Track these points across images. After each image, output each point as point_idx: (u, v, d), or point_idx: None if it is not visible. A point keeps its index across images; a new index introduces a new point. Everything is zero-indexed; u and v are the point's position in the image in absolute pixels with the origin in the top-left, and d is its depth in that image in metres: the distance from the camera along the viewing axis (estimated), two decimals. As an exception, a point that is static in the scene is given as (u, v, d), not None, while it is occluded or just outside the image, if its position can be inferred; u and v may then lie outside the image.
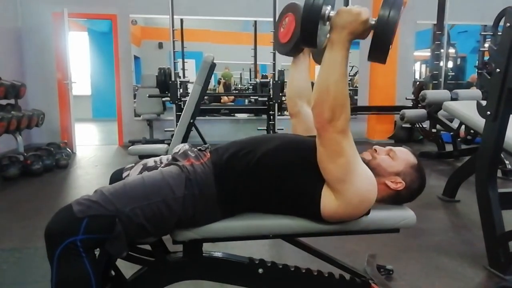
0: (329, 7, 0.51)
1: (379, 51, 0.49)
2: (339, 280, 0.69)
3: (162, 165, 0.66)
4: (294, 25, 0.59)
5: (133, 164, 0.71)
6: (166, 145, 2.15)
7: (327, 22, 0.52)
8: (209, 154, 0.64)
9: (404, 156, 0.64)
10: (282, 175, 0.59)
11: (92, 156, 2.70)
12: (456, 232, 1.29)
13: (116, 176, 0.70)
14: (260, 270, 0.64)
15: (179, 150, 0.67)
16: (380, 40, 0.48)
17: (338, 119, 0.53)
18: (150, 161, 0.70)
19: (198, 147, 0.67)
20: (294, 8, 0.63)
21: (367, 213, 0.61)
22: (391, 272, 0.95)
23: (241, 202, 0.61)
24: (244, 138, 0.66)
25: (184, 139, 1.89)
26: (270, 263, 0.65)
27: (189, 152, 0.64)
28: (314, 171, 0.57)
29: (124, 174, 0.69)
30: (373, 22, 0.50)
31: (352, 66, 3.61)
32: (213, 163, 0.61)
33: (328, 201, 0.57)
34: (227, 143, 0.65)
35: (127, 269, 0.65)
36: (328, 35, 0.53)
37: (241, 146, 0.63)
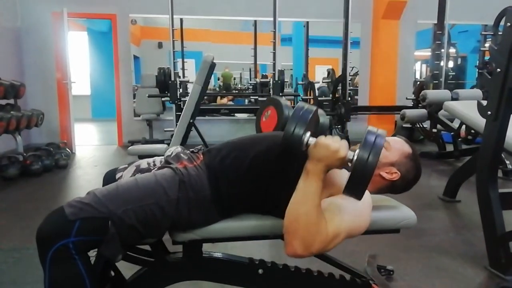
0: (307, 134, 0.51)
1: (355, 191, 0.50)
2: (339, 280, 0.69)
3: (155, 168, 0.65)
4: (277, 119, 0.60)
5: (127, 165, 0.71)
6: (165, 145, 2.15)
7: (305, 148, 0.51)
8: (202, 156, 0.63)
9: (398, 146, 0.63)
10: (273, 177, 0.59)
11: (92, 156, 2.70)
12: (456, 233, 1.29)
13: (109, 177, 0.70)
14: (260, 271, 0.64)
15: (172, 153, 0.66)
16: (357, 181, 0.49)
17: (312, 246, 0.51)
18: (144, 163, 0.70)
19: (191, 149, 0.66)
20: (275, 103, 0.64)
21: None
22: (391, 273, 0.95)
23: (236, 204, 0.61)
24: (236, 139, 0.65)
25: (184, 139, 1.89)
26: (270, 263, 0.65)
27: (181, 154, 0.63)
28: None
29: (118, 175, 0.68)
30: (350, 157, 0.50)
31: (352, 67, 3.60)
32: (206, 165, 0.61)
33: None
34: (219, 144, 0.65)
35: (127, 269, 0.64)
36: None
37: (233, 147, 0.63)
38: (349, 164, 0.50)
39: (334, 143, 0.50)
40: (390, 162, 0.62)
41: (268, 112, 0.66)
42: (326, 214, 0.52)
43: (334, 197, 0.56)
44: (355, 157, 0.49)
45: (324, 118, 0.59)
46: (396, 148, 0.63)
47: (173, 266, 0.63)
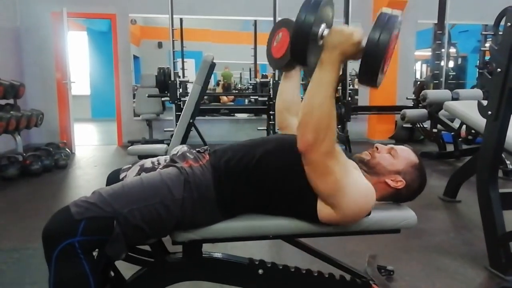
0: (323, 25, 0.49)
1: (368, 75, 0.47)
2: (339, 280, 0.69)
3: (160, 166, 0.65)
4: (288, 40, 0.57)
5: (130, 165, 0.70)
6: (165, 145, 2.15)
7: (321, 41, 0.49)
8: (207, 156, 0.63)
9: (405, 155, 0.64)
10: (279, 178, 0.59)
11: (91, 156, 2.70)
12: (457, 233, 1.29)
13: (113, 177, 0.70)
14: (260, 271, 0.63)
15: (178, 152, 0.67)
16: (369, 65, 0.46)
17: (322, 142, 0.51)
18: (148, 162, 0.69)
19: (197, 149, 0.66)
20: (288, 24, 0.61)
21: (368, 214, 0.61)
22: (391, 273, 0.95)
23: (240, 204, 0.61)
24: (243, 141, 0.66)
25: (184, 139, 1.89)
26: (270, 263, 0.65)
27: (187, 154, 0.63)
28: None
29: (122, 175, 0.69)
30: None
31: (353, 68, 3.60)
32: (212, 165, 0.61)
33: (324, 207, 0.57)
34: (225, 146, 0.65)
35: (127, 270, 0.64)
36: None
37: (239, 148, 0.63)
38: None
39: (348, 28, 0.49)
40: (396, 170, 0.62)
41: (279, 35, 0.61)
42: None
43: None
44: (367, 40, 0.46)
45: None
46: (403, 156, 0.63)
47: (173, 266, 0.63)
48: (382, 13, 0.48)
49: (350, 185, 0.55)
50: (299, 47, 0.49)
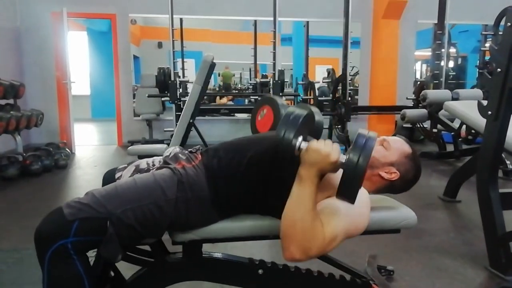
0: (300, 139, 0.51)
1: (347, 193, 0.49)
2: (339, 280, 0.69)
3: (154, 168, 0.65)
4: (272, 118, 0.60)
5: (126, 165, 0.70)
6: (165, 145, 2.14)
7: (298, 152, 0.51)
8: (200, 156, 0.63)
9: (398, 146, 0.63)
10: (271, 178, 0.58)
11: (91, 156, 2.70)
12: (457, 233, 1.29)
13: (108, 176, 0.70)
14: (260, 271, 0.63)
15: (170, 153, 0.66)
16: (348, 185, 0.48)
17: (310, 250, 0.51)
18: (143, 163, 0.69)
19: (189, 149, 0.66)
20: (270, 102, 0.64)
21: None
22: (391, 273, 0.95)
23: (236, 204, 0.61)
24: (235, 139, 0.65)
25: (184, 139, 1.89)
26: (270, 263, 0.65)
27: (180, 155, 0.63)
28: None
29: (117, 175, 0.68)
30: (343, 161, 0.50)
31: (353, 67, 3.60)
32: (204, 165, 0.60)
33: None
34: (217, 144, 0.65)
35: (127, 270, 0.64)
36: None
37: (231, 147, 0.62)
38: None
39: (325, 148, 0.50)
40: (390, 162, 0.62)
41: (263, 111, 0.65)
42: (322, 217, 0.52)
43: (330, 198, 0.55)
44: (345, 161, 0.48)
45: (319, 116, 0.58)
46: (395, 147, 0.63)
47: (173, 266, 0.63)
48: (359, 135, 0.51)
49: (354, 221, 0.54)
50: (283, 157, 0.52)
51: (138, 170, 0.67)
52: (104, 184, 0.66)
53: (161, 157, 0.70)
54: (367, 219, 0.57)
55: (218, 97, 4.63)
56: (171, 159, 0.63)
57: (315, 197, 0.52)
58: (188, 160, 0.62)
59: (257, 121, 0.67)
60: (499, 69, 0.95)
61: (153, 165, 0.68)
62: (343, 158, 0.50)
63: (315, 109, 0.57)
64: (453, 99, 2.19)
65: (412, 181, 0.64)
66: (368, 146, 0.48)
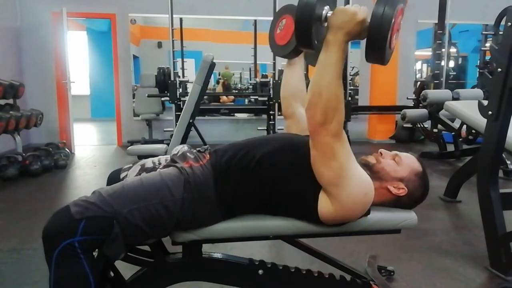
0: (326, 7, 0.49)
1: (375, 51, 0.47)
2: (339, 281, 0.69)
3: (161, 166, 0.65)
4: (293, 29, 0.56)
5: (131, 165, 0.70)
6: (165, 145, 2.15)
7: (325, 23, 0.50)
8: (208, 155, 0.63)
9: (409, 162, 0.63)
10: (279, 178, 0.58)
11: (91, 156, 2.69)
12: (457, 233, 1.29)
13: (113, 177, 0.70)
14: (260, 271, 0.63)
15: (178, 152, 0.66)
16: (374, 39, 0.46)
17: (331, 122, 0.51)
18: (149, 162, 0.69)
19: (197, 149, 0.66)
20: (292, 10, 0.61)
21: (367, 213, 0.61)
22: (392, 273, 0.95)
23: (241, 204, 0.61)
24: (243, 140, 0.66)
25: (184, 139, 1.89)
26: (271, 264, 0.65)
27: (188, 153, 0.63)
28: (311, 174, 0.56)
29: (122, 175, 0.68)
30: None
31: (353, 67, 3.60)
32: (212, 165, 0.60)
33: (325, 205, 0.57)
34: (226, 145, 0.65)
35: (126, 270, 0.64)
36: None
37: (240, 148, 0.62)
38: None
39: (352, 7, 0.49)
40: (399, 177, 0.62)
41: (283, 22, 0.60)
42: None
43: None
44: (371, 15, 0.46)
45: None
46: (407, 164, 0.63)
47: (173, 266, 0.63)
48: None
49: (352, 178, 0.55)
50: (304, 30, 0.49)
51: (144, 169, 0.67)
52: (108, 185, 0.65)
53: (166, 156, 0.70)
54: (364, 201, 0.56)
55: (221, 95, 4.60)
56: (179, 158, 0.63)
57: (342, 64, 0.50)
58: (196, 159, 0.61)
59: (276, 34, 0.62)
60: (499, 69, 0.95)
61: (159, 163, 0.68)
62: (369, 18, 0.47)
63: None
64: (454, 99, 2.20)
65: (419, 199, 0.64)
66: None
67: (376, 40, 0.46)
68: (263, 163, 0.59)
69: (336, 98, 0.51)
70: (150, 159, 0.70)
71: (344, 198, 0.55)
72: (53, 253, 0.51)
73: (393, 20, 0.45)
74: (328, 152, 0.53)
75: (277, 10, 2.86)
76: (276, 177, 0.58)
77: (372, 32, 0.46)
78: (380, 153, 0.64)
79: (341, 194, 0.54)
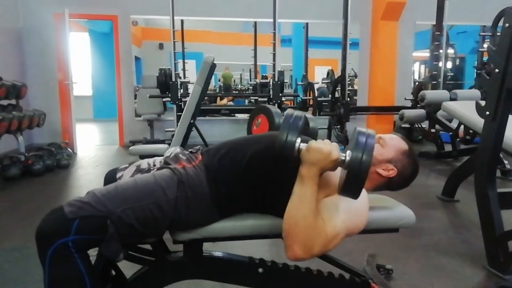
0: (298, 140, 0.52)
1: (352, 190, 0.50)
2: (338, 279, 0.69)
3: (155, 168, 0.66)
4: (268, 126, 0.61)
5: (127, 165, 0.71)
6: (166, 145, 2.15)
7: (297, 153, 0.52)
8: (200, 156, 0.64)
9: (394, 143, 0.64)
10: (270, 178, 0.59)
11: (93, 156, 2.71)
12: (455, 232, 1.29)
13: (110, 176, 0.70)
14: (260, 270, 0.64)
15: (171, 154, 0.67)
16: (353, 182, 0.49)
17: (312, 249, 0.52)
18: (144, 163, 0.70)
19: (190, 150, 0.67)
20: (265, 111, 0.66)
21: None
22: (390, 272, 0.96)
23: (236, 203, 0.61)
24: (235, 138, 0.66)
25: (185, 139, 1.90)
26: (270, 262, 0.65)
27: (180, 155, 0.64)
28: None
29: (118, 175, 0.69)
30: (343, 158, 0.51)
31: (352, 69, 3.62)
32: (204, 165, 0.61)
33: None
34: (218, 144, 0.65)
35: (128, 268, 0.65)
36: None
37: (230, 147, 0.63)
38: (342, 166, 0.51)
39: (326, 146, 0.51)
40: (387, 159, 0.62)
41: (258, 120, 0.67)
42: (324, 215, 0.53)
43: (331, 197, 0.56)
44: (348, 158, 0.49)
45: (313, 123, 0.59)
46: (392, 145, 0.63)
47: (174, 265, 0.64)
48: (359, 132, 0.51)
49: (354, 219, 0.55)
50: (283, 160, 0.52)
51: (139, 170, 0.68)
52: (105, 184, 0.67)
53: (162, 157, 0.70)
54: (366, 217, 0.57)
55: (218, 98, 4.65)
56: (172, 160, 0.63)
57: (317, 195, 0.52)
58: (188, 160, 0.62)
59: (253, 130, 0.68)
60: (497, 70, 0.96)
61: (154, 165, 0.69)
62: (342, 155, 0.51)
63: (309, 116, 0.59)
64: (451, 99, 2.21)
65: (410, 177, 0.64)
66: (370, 142, 0.49)
67: (355, 183, 0.49)
68: (253, 162, 0.59)
69: (314, 228, 0.51)
70: (145, 160, 0.71)
71: (348, 233, 0.54)
72: (46, 252, 0.51)
73: (369, 167, 0.48)
74: (327, 246, 0.52)
75: (277, 11, 2.92)
76: (267, 177, 0.59)
77: (351, 177, 0.49)
78: None
79: (347, 233, 0.54)
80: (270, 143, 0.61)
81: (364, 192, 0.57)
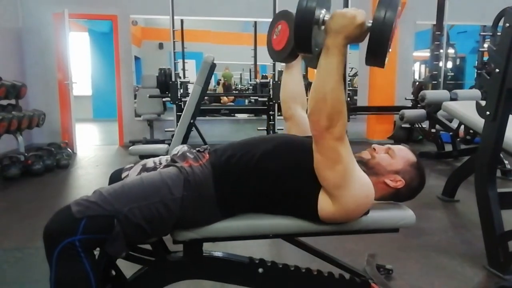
0: (323, 11, 0.49)
1: (377, 55, 0.47)
2: (338, 279, 0.69)
3: (161, 166, 0.66)
4: (288, 32, 0.58)
5: (133, 165, 0.71)
6: (166, 145, 2.16)
7: (322, 27, 0.50)
8: (207, 155, 0.64)
9: (403, 154, 0.64)
10: (279, 177, 0.59)
11: (93, 156, 2.71)
12: (455, 232, 1.29)
13: (115, 176, 0.71)
14: (260, 270, 0.64)
15: (178, 152, 0.67)
16: (376, 43, 0.46)
17: (336, 126, 0.52)
18: (150, 162, 0.70)
19: (197, 148, 0.67)
20: (287, 16, 0.62)
21: (366, 212, 0.61)
22: (390, 272, 0.96)
23: (240, 203, 0.61)
24: (243, 140, 0.66)
25: (185, 139, 1.90)
26: (270, 262, 0.65)
27: (187, 153, 0.64)
28: (311, 174, 0.57)
29: (123, 174, 0.69)
30: (370, 25, 0.48)
31: (352, 68, 3.62)
32: (211, 164, 0.61)
33: (325, 205, 0.57)
34: (225, 144, 0.65)
35: (128, 269, 0.65)
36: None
37: (239, 147, 0.63)
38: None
39: (350, 10, 0.49)
40: (395, 170, 0.62)
41: (278, 28, 0.61)
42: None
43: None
44: (373, 19, 0.46)
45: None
46: (400, 156, 0.63)
47: (174, 265, 0.64)
48: None
49: (355, 180, 0.55)
50: (304, 35, 0.48)
51: (145, 169, 0.68)
52: (110, 184, 0.65)
53: (168, 156, 0.70)
54: (366, 202, 0.57)
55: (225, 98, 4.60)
56: (179, 158, 0.63)
57: (343, 67, 0.51)
58: (195, 159, 0.62)
59: (273, 40, 0.63)
60: (497, 70, 0.96)
61: (160, 163, 0.68)
62: (369, 22, 0.47)
63: None
64: (452, 99, 2.21)
65: (417, 189, 0.65)
66: (394, 1, 0.46)
67: (378, 45, 0.46)
68: (262, 163, 0.59)
69: (340, 101, 0.51)
70: (151, 159, 0.71)
71: (346, 199, 0.55)
72: (53, 252, 0.51)
73: (394, 25, 0.45)
74: (333, 156, 0.53)
75: (276, 11, 2.91)
76: (275, 176, 0.59)
77: (374, 37, 0.46)
78: (374, 148, 0.65)
79: (344, 196, 0.55)
80: (279, 144, 0.61)
81: (372, 189, 0.57)
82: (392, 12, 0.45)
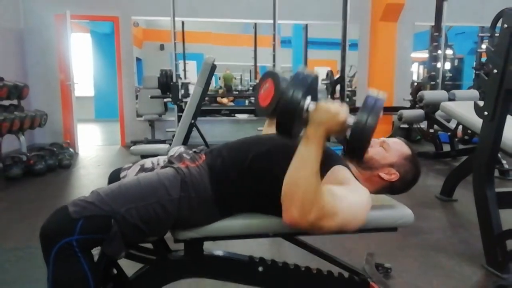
0: (308, 98, 0.50)
1: (355, 152, 0.49)
2: (338, 278, 0.70)
3: (159, 167, 0.66)
4: (273, 92, 0.59)
5: (131, 164, 0.71)
6: (167, 145, 2.17)
7: (305, 114, 0.50)
8: (204, 156, 0.64)
9: (397, 147, 0.64)
10: (272, 180, 0.59)
11: (95, 156, 2.72)
12: (453, 231, 1.30)
13: (114, 176, 0.71)
14: (260, 268, 0.64)
15: (175, 153, 0.67)
16: (356, 144, 0.48)
17: (309, 214, 0.49)
18: (148, 162, 0.70)
19: (194, 149, 0.67)
20: (274, 76, 0.64)
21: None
22: (389, 270, 0.96)
23: (237, 203, 0.62)
24: (238, 140, 0.66)
25: (185, 139, 1.91)
26: (270, 261, 0.66)
27: (184, 154, 0.64)
28: None
29: (122, 174, 0.70)
30: (351, 123, 0.49)
31: (351, 66, 3.62)
32: (208, 165, 0.61)
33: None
34: (221, 145, 0.66)
35: (129, 267, 0.65)
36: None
37: (233, 148, 0.63)
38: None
39: (334, 106, 0.50)
40: (389, 163, 0.62)
41: (266, 85, 0.64)
42: (327, 193, 0.51)
43: (339, 186, 0.54)
44: (354, 122, 0.48)
45: (320, 85, 0.56)
46: (395, 149, 0.64)
47: (175, 264, 0.64)
48: (369, 96, 0.50)
49: (355, 206, 0.53)
50: (285, 122, 0.50)
51: (143, 169, 0.68)
52: (109, 183, 0.67)
53: (165, 156, 0.71)
54: (365, 215, 0.56)
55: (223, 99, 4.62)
56: (176, 159, 0.64)
57: (320, 159, 0.50)
58: (192, 160, 0.62)
59: (259, 95, 0.66)
60: (495, 70, 0.96)
61: (158, 164, 0.69)
62: (351, 121, 0.49)
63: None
64: (450, 100, 2.20)
65: (412, 182, 0.65)
66: (378, 106, 0.48)
67: (357, 146, 0.48)
68: (256, 164, 0.60)
69: (314, 192, 0.48)
70: (149, 159, 0.71)
71: (344, 220, 0.52)
72: (51, 252, 0.51)
73: (374, 130, 0.47)
74: (324, 224, 0.50)
75: (276, 13, 2.92)
76: (268, 179, 0.59)
77: (354, 137, 0.48)
78: None
79: (343, 218, 0.52)
80: (273, 144, 0.61)
81: (367, 192, 0.57)
82: (373, 118, 0.47)
